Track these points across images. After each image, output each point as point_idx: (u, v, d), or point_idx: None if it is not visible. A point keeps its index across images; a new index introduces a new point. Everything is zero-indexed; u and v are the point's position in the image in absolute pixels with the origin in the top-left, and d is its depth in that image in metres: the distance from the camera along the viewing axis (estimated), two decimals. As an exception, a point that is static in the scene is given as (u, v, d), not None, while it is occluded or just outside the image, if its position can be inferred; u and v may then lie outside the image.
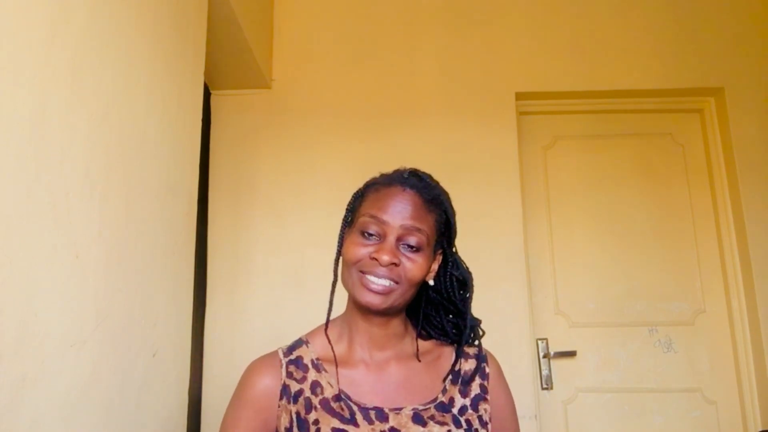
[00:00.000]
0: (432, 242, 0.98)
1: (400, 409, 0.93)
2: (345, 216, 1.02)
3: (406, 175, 1.01)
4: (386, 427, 0.90)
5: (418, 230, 0.94)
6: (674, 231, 2.50)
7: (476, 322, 1.05)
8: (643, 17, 2.58)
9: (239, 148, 2.47)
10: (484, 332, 1.07)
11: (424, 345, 1.03)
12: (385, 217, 0.94)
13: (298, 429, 0.92)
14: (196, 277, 1.59)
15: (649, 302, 2.44)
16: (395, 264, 0.92)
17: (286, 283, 2.35)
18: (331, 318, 1.03)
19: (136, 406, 1.22)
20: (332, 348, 0.99)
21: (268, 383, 0.96)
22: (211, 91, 2.50)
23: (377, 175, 1.06)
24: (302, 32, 2.59)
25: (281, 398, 0.95)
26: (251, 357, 2.56)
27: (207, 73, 1.75)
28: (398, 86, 2.51)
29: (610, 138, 2.59)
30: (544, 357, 2.32)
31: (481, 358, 1.02)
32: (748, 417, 2.31)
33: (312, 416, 0.92)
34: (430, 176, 1.05)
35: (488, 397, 0.98)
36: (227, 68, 2.32)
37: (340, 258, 1.00)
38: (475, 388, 0.99)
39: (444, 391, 0.97)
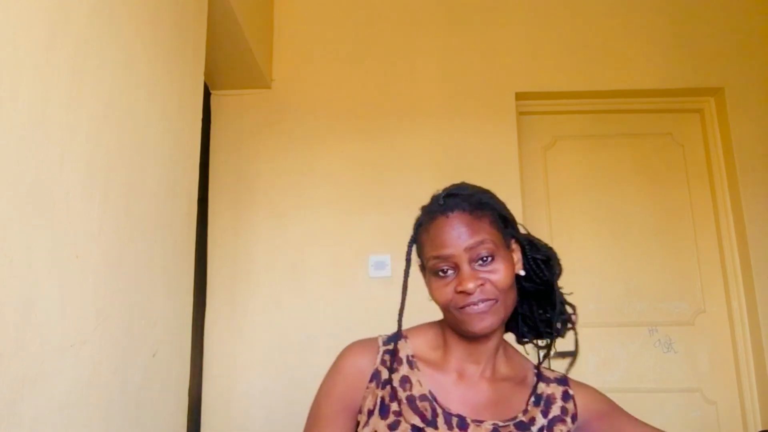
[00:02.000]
0: (500, 242, 0.97)
1: (482, 422, 0.94)
2: (406, 268, 1.01)
3: (441, 202, 1.00)
4: None
5: (481, 242, 0.94)
6: (674, 231, 2.50)
7: (567, 312, 1.05)
8: (643, 17, 2.58)
9: (239, 148, 2.47)
10: (577, 317, 1.06)
11: (513, 366, 1.04)
12: (448, 251, 0.94)
13: (380, 413, 0.95)
14: (196, 277, 1.59)
15: (649, 302, 2.44)
16: (482, 284, 0.93)
17: (286, 283, 2.35)
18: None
19: (136, 406, 1.22)
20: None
21: (363, 363, 0.99)
22: (211, 91, 2.50)
23: (418, 212, 1.05)
24: (302, 32, 2.59)
25: (371, 381, 0.98)
26: (251, 357, 2.58)
27: (207, 73, 1.75)
28: (398, 86, 2.51)
29: (610, 138, 2.59)
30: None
31: (562, 381, 1.04)
32: (748, 417, 2.31)
33: (394, 406, 0.95)
34: (462, 185, 1.04)
35: (567, 419, 1.00)
36: (227, 68, 2.32)
37: (404, 307, 1.01)
38: (555, 410, 1.00)
39: (525, 411, 0.98)
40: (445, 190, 1.02)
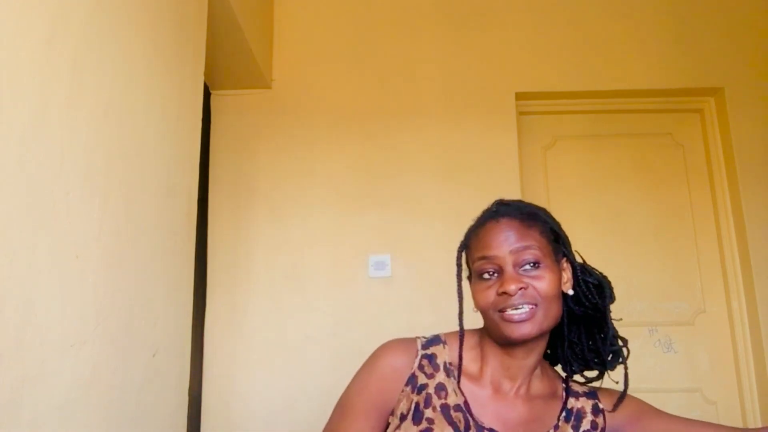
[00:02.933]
0: (548, 253, 0.97)
1: None
2: (457, 272, 1.02)
3: (494, 208, 1.02)
4: None
5: (528, 247, 0.95)
6: (674, 231, 2.50)
7: (618, 344, 1.04)
8: (642, 17, 2.58)
9: (239, 148, 2.47)
10: (629, 352, 1.05)
11: (546, 383, 1.03)
12: (494, 252, 0.95)
13: (413, 419, 0.94)
14: (196, 277, 1.59)
15: (649, 302, 2.44)
16: (524, 287, 0.93)
17: (286, 283, 2.35)
18: (454, 331, 1.03)
19: (136, 406, 1.22)
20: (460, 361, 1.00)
21: (400, 365, 0.98)
22: (211, 91, 2.50)
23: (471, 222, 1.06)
24: (302, 32, 2.59)
25: (407, 384, 0.97)
26: (251, 357, 2.57)
27: (207, 73, 1.75)
28: (398, 86, 2.51)
29: (610, 138, 2.59)
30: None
31: (591, 394, 1.04)
32: (748, 417, 2.31)
33: (428, 413, 0.94)
34: (518, 200, 1.06)
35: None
36: (227, 68, 2.32)
37: (463, 310, 1.00)
38: (585, 425, 1.00)
39: (557, 427, 0.98)
40: (498, 200, 1.04)
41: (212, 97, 2.50)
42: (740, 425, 2.32)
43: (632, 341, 2.43)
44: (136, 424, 1.22)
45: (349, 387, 1.00)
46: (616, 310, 2.58)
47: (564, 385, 1.04)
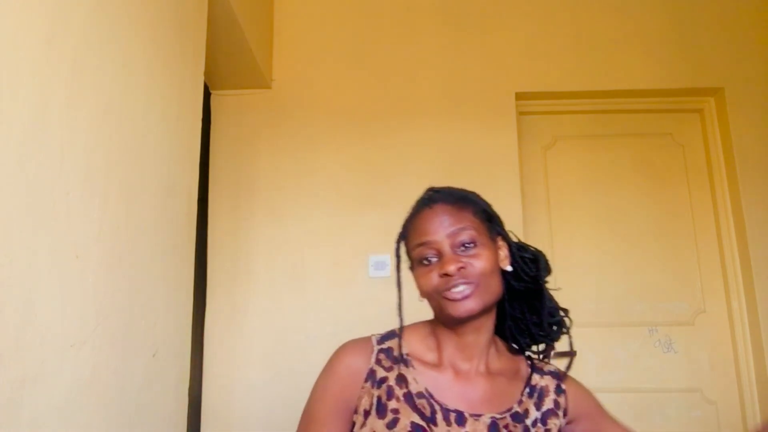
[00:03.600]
0: (483, 232, 1.01)
1: (479, 416, 0.96)
2: (396, 263, 1.04)
3: (427, 196, 1.05)
4: (462, 431, 0.94)
5: (463, 228, 0.98)
6: (674, 231, 2.50)
7: (559, 315, 1.07)
8: (643, 17, 2.58)
9: (239, 148, 2.47)
10: (571, 321, 1.08)
11: (506, 360, 1.06)
12: (430, 237, 0.98)
13: (377, 413, 0.96)
14: (196, 277, 1.59)
15: (649, 302, 2.44)
16: (462, 267, 0.96)
17: (286, 283, 2.35)
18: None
19: (136, 406, 1.22)
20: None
21: (358, 363, 1.00)
22: (211, 91, 2.50)
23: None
24: (302, 32, 2.59)
25: (366, 381, 0.99)
26: (251, 357, 2.57)
27: (207, 73, 1.75)
28: (398, 86, 2.51)
29: (610, 138, 2.59)
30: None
31: (556, 374, 1.06)
32: (748, 417, 2.31)
33: (392, 404, 0.96)
34: (447, 186, 1.08)
35: (559, 413, 1.01)
36: (227, 68, 2.32)
37: (402, 301, 1.03)
38: (548, 403, 1.02)
39: (520, 402, 1.00)
40: (429, 187, 1.07)
41: (212, 97, 2.50)
42: (740, 425, 2.32)
43: (632, 341, 2.45)
44: (136, 424, 1.22)
45: (310, 397, 1.02)
46: (615, 310, 2.58)
47: (529, 362, 1.06)
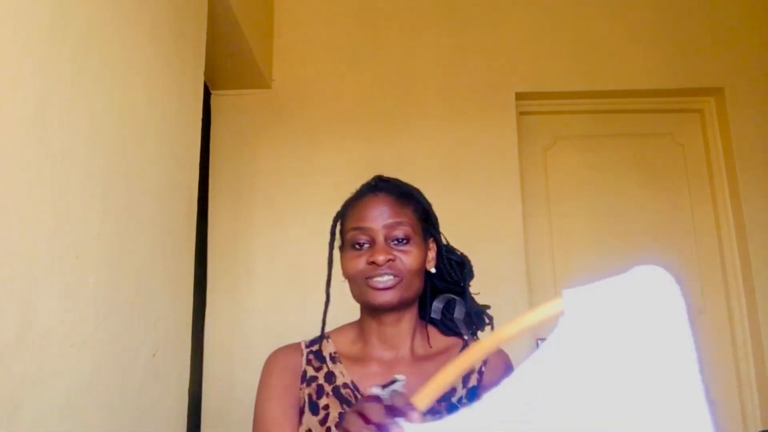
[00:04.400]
0: (418, 231, 1.04)
1: None
2: (330, 241, 1.09)
3: (373, 183, 1.08)
4: None
5: (400, 223, 1.02)
6: (674, 231, 2.49)
7: (480, 308, 1.11)
8: (642, 17, 2.58)
9: (239, 148, 2.47)
10: (491, 318, 1.12)
11: (438, 345, 1.07)
12: (368, 224, 1.02)
13: (310, 410, 0.99)
14: (196, 277, 1.59)
15: (649, 302, 2.43)
16: (392, 260, 0.99)
17: (286, 283, 2.35)
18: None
19: (136, 406, 1.22)
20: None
21: (292, 364, 1.05)
22: (211, 91, 2.50)
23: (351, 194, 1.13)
24: (302, 32, 2.59)
25: (301, 381, 1.03)
26: (251, 357, 2.56)
27: (207, 73, 1.75)
28: (398, 86, 2.51)
29: (610, 138, 2.59)
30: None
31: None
32: (748, 417, 2.31)
33: (323, 401, 1.00)
34: (396, 178, 1.12)
35: (483, 386, 1.01)
36: (227, 68, 2.32)
37: (332, 278, 1.10)
38: (473, 380, 1.02)
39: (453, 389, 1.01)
40: (377, 175, 1.11)
41: (212, 97, 2.50)
42: (740, 425, 2.32)
43: (632, 341, 2.43)
44: (136, 424, 1.22)
45: (256, 404, 1.04)
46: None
47: (463, 343, 1.08)
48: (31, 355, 0.88)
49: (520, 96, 2.52)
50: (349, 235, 1.03)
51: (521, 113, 2.56)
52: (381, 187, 1.07)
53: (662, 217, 2.51)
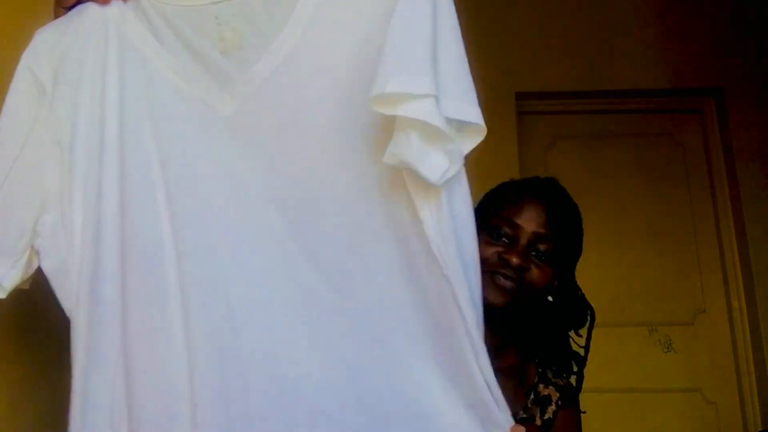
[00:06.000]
0: (559, 255, 0.98)
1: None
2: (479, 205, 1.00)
3: (545, 184, 1.03)
4: None
5: (551, 239, 0.95)
6: (674, 231, 2.49)
7: (575, 354, 1.08)
8: (642, 17, 2.58)
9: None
10: (580, 370, 1.07)
11: (513, 360, 1.02)
12: (519, 221, 0.94)
13: None
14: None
15: (649, 302, 2.44)
16: (524, 268, 0.93)
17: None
18: None
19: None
20: None
21: None
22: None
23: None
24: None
25: None
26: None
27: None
28: (398, 86, 2.51)
29: (610, 138, 2.59)
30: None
31: (560, 387, 1.03)
32: (748, 417, 2.31)
33: None
34: (566, 192, 1.06)
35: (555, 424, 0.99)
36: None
37: None
38: (549, 413, 1.00)
39: (526, 408, 0.98)
40: (551, 177, 1.05)
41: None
42: (740, 425, 2.32)
43: (632, 341, 2.44)
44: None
45: None
46: (615, 310, 2.56)
47: (539, 370, 1.04)
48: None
49: (520, 96, 2.51)
50: (496, 219, 0.95)
51: (521, 113, 2.56)
52: (550, 191, 1.01)
53: (662, 217, 2.50)
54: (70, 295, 0.72)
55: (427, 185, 0.66)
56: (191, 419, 0.67)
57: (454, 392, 0.69)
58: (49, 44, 0.75)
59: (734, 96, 2.47)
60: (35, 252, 0.73)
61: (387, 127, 0.66)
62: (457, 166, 0.70)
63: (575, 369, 1.07)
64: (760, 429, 2.24)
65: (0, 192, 0.72)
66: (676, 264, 2.46)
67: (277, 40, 0.73)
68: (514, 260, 0.91)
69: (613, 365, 2.38)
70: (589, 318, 1.10)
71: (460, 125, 0.73)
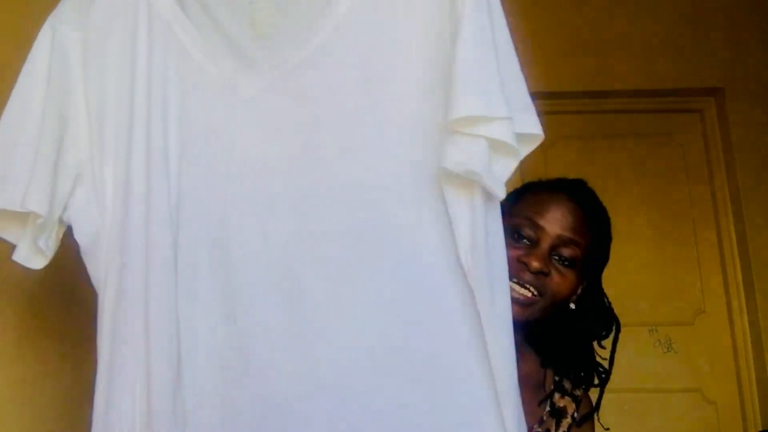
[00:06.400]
0: (584, 262, 0.91)
1: None
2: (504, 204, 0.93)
3: (571, 184, 0.97)
4: None
5: (576, 244, 0.89)
6: (674, 231, 2.49)
7: (598, 366, 0.99)
8: (642, 18, 2.58)
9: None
10: (602, 383, 0.99)
11: (530, 367, 0.97)
12: (542, 222, 0.89)
13: None
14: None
15: (649, 302, 2.43)
16: (544, 273, 0.86)
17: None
18: None
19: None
20: None
21: None
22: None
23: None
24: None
25: None
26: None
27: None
28: (398, 86, 2.51)
29: (610, 138, 2.59)
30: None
31: (577, 399, 0.98)
32: (748, 417, 2.31)
33: None
34: (596, 195, 1.01)
35: None
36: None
37: None
38: (564, 425, 0.95)
39: (541, 421, 0.93)
40: (579, 179, 0.99)
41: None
42: (740, 425, 2.32)
43: (632, 341, 2.44)
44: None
45: None
46: (616, 310, 2.55)
47: (556, 378, 0.99)
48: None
49: (520, 96, 2.51)
50: (517, 220, 0.89)
51: (521, 113, 2.56)
52: (577, 193, 0.94)
53: (662, 217, 2.50)
54: (100, 267, 0.71)
55: (469, 198, 0.67)
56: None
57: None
58: (76, 10, 0.73)
59: (734, 96, 2.47)
60: (62, 225, 0.72)
61: (415, 134, 0.67)
62: (507, 178, 0.73)
63: (596, 381, 1.00)
64: (760, 429, 2.24)
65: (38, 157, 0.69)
66: (676, 264, 2.46)
67: (309, 30, 0.72)
68: (534, 264, 0.85)
69: (613, 365, 2.38)
70: (614, 329, 1.00)
71: (520, 136, 0.75)
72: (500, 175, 0.70)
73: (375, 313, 0.67)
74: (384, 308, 0.67)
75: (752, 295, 2.33)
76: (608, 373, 1.01)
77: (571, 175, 2.62)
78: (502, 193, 0.67)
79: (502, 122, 0.68)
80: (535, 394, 0.95)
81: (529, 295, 0.87)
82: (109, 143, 0.71)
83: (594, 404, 1.01)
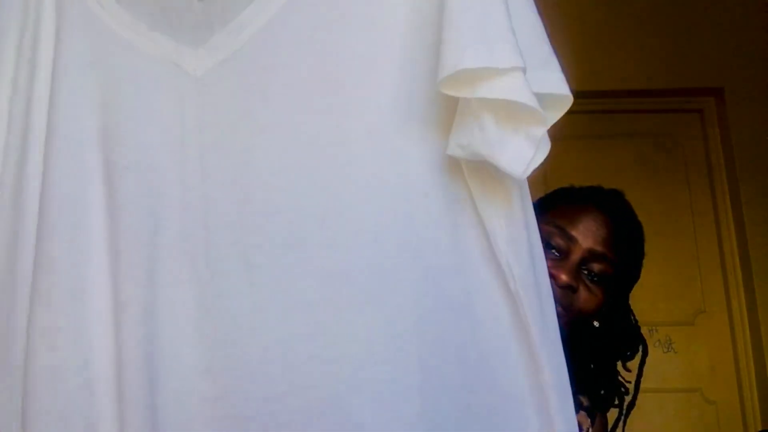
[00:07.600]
0: (612, 281, 0.87)
1: None
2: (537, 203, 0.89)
3: (607, 195, 0.90)
4: None
5: (608, 260, 0.84)
6: (674, 231, 2.49)
7: (619, 386, 0.94)
8: (642, 17, 2.58)
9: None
10: (621, 403, 0.93)
11: None
12: (575, 233, 0.83)
13: None
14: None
15: (649, 302, 2.43)
16: (572, 289, 0.82)
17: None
18: None
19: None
20: None
21: None
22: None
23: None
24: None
25: None
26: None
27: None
28: (398, 86, 2.51)
29: (610, 138, 2.59)
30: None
31: (592, 414, 0.95)
32: (748, 417, 2.31)
33: None
34: (634, 213, 0.93)
35: None
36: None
37: None
38: None
39: None
40: (617, 189, 0.90)
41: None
42: (740, 425, 2.32)
43: (632, 341, 2.42)
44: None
45: None
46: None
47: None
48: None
49: (520, 96, 2.51)
50: (547, 228, 0.81)
51: (521, 113, 2.56)
52: (613, 205, 0.88)
53: (662, 217, 2.50)
54: None
55: (496, 186, 0.54)
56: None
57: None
58: None
59: (734, 96, 2.47)
60: None
61: (400, 112, 0.53)
62: (544, 154, 0.56)
63: (616, 402, 0.94)
64: (760, 429, 2.24)
65: None
66: (676, 264, 2.46)
67: None
68: (563, 278, 0.80)
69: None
70: (641, 351, 0.95)
71: (542, 99, 0.55)
72: (524, 152, 0.53)
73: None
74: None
75: (752, 295, 2.33)
76: (633, 396, 0.96)
77: (572, 174, 2.63)
78: (521, 174, 0.53)
79: (511, 76, 0.49)
80: None
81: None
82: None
83: (610, 428, 0.97)
